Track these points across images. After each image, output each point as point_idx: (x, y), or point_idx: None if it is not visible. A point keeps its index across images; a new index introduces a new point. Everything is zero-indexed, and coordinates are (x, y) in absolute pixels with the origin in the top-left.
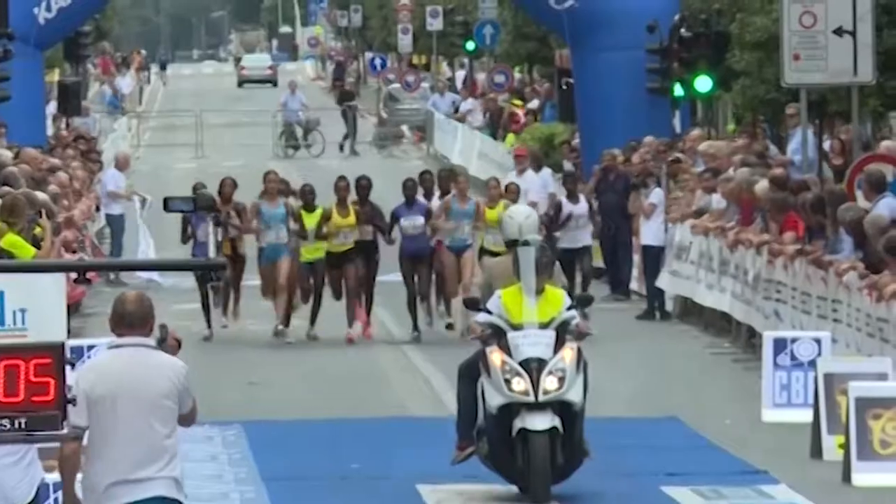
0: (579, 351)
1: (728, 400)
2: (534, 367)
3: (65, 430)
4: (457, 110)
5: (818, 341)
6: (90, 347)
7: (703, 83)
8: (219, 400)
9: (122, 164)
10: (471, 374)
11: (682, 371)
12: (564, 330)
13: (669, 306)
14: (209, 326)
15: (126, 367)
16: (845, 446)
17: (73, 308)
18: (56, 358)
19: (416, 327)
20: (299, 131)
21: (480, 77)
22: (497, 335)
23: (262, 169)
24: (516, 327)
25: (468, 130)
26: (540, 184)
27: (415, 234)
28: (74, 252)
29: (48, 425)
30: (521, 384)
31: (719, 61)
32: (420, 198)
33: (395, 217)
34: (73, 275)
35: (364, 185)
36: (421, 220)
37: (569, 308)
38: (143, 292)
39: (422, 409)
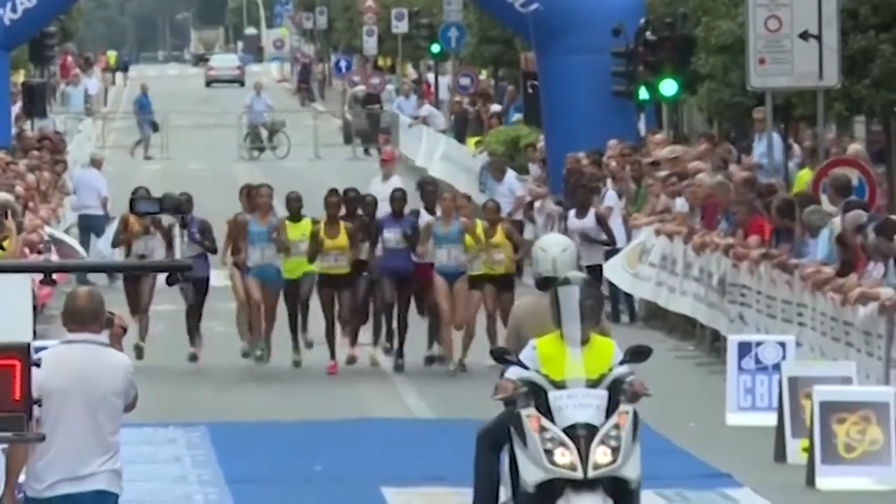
0: (635, 416)
1: (692, 403)
2: (582, 436)
3: (31, 431)
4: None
5: (783, 345)
6: None
7: (669, 87)
8: (183, 401)
9: (98, 164)
10: (491, 443)
11: (646, 374)
12: (617, 389)
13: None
14: (193, 345)
15: (76, 364)
16: (809, 450)
17: (38, 309)
18: (22, 359)
19: (401, 354)
20: (264, 133)
21: (443, 80)
22: (534, 395)
23: (228, 171)
24: (559, 385)
25: (433, 133)
26: (506, 189)
27: (398, 249)
28: (40, 253)
29: (14, 426)
30: (566, 456)
31: (685, 65)
32: (421, 211)
33: (379, 227)
34: (39, 276)
35: (371, 203)
36: (408, 233)
37: (621, 362)
38: (94, 289)
39: (386, 411)
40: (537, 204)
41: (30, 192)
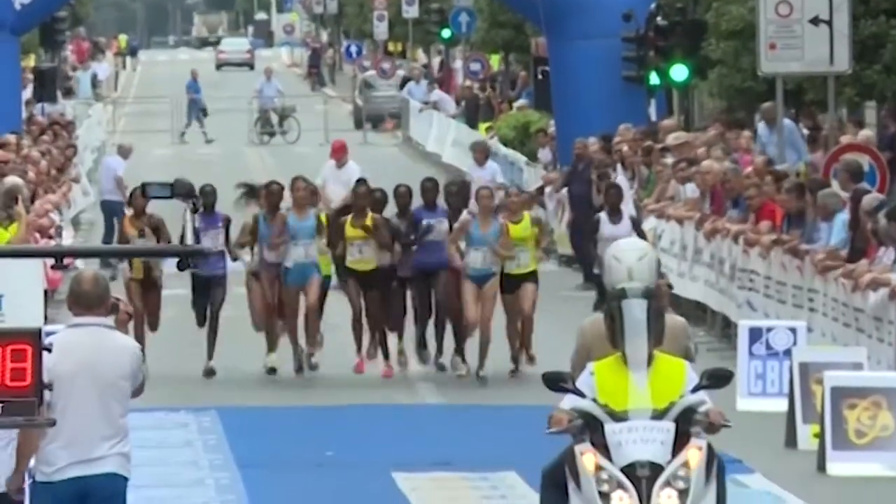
0: (710, 450)
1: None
2: (643, 476)
3: (42, 416)
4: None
5: (793, 330)
6: None
7: (679, 72)
8: (194, 386)
9: (124, 153)
10: (556, 482)
11: None
12: (688, 420)
13: None
14: (210, 358)
15: (85, 348)
16: (820, 436)
17: (48, 294)
18: (33, 344)
19: (425, 356)
20: (275, 118)
21: (457, 66)
22: (589, 428)
23: (238, 155)
24: (618, 417)
25: (443, 118)
26: (488, 176)
27: (435, 241)
28: (50, 238)
29: (25, 411)
30: (623, 501)
31: (695, 50)
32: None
33: (416, 217)
34: (51, 261)
35: (404, 194)
36: (445, 224)
37: (695, 388)
38: (98, 272)
39: (398, 397)
40: (548, 189)
41: (40, 176)
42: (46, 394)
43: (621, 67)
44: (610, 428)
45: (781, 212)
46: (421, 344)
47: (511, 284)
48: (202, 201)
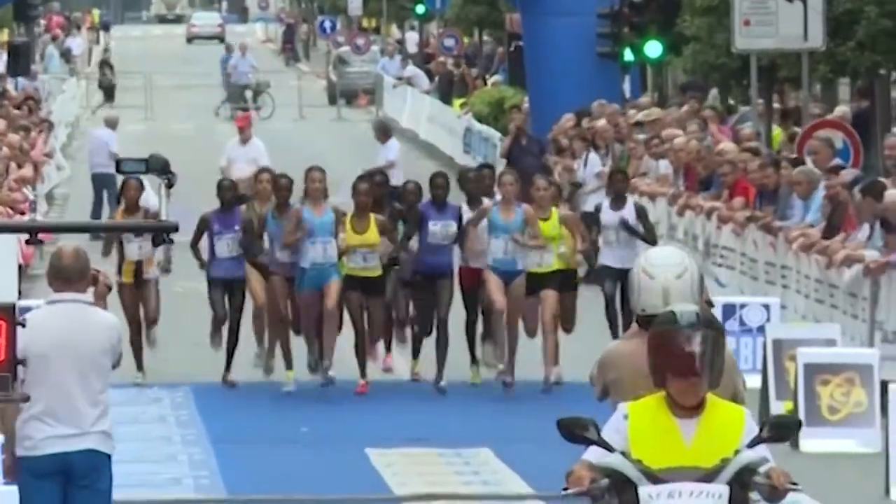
0: None
1: None
2: None
3: (17, 392)
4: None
5: (767, 307)
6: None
7: (654, 48)
8: (167, 362)
9: (112, 124)
10: None
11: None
12: (745, 484)
13: None
14: (228, 368)
15: (65, 324)
16: (793, 412)
17: (21, 269)
18: (7, 319)
19: (440, 377)
20: (249, 94)
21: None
22: (617, 490)
23: (212, 131)
24: (656, 477)
25: (418, 94)
26: (391, 155)
27: (441, 245)
28: (23, 213)
29: None
30: None
31: (670, 26)
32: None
33: (422, 217)
34: (25, 236)
35: (413, 191)
36: (454, 226)
37: (753, 442)
38: (80, 247)
39: (371, 373)
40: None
41: (13, 151)
42: (21, 370)
43: (595, 43)
44: (646, 491)
45: (754, 189)
46: (416, 355)
47: (531, 285)
48: (219, 198)
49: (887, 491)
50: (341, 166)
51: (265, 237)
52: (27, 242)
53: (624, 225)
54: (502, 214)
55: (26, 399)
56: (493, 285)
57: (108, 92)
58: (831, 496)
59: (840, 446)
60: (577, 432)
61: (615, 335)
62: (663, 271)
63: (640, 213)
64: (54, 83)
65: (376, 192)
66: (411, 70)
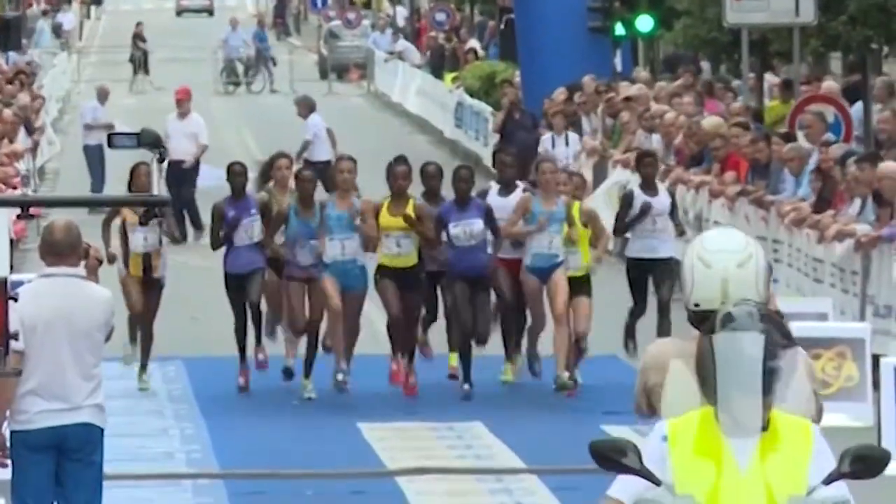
0: None
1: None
2: None
3: (8, 366)
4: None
5: None
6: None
7: (645, 22)
8: (158, 335)
9: (101, 97)
10: None
11: (622, 309)
12: None
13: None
14: (244, 367)
15: (59, 298)
16: None
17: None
18: None
19: (468, 377)
20: (240, 68)
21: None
22: None
23: (204, 105)
24: None
25: (408, 68)
26: (310, 131)
27: (469, 246)
28: (15, 188)
29: None
30: None
31: (661, 1)
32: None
33: (442, 221)
34: (17, 210)
35: (434, 174)
36: (479, 224)
37: (830, 479)
38: (71, 221)
39: (363, 347)
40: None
41: (5, 126)
42: (15, 343)
43: (587, 18)
44: None
45: (746, 163)
46: (425, 329)
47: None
48: (231, 183)
49: None
50: (337, 145)
51: (283, 235)
52: (18, 217)
53: (645, 213)
54: (543, 204)
55: (19, 373)
56: (534, 295)
57: (139, 64)
58: None
59: (832, 420)
60: (613, 458)
61: (627, 346)
62: (722, 258)
63: (673, 199)
64: (45, 58)
65: (431, 184)
66: (402, 44)
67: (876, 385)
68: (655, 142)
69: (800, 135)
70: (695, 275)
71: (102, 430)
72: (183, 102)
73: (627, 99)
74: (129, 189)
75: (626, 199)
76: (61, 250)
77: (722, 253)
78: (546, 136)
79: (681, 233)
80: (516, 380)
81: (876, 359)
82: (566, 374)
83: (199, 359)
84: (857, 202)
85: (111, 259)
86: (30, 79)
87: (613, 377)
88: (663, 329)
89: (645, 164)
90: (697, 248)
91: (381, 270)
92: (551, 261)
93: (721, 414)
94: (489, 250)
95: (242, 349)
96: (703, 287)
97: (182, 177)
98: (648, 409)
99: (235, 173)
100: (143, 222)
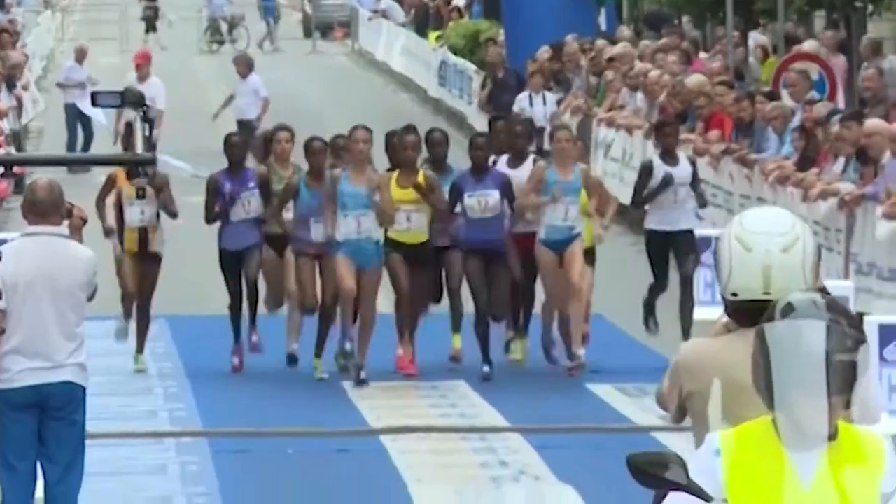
0: None
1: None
2: None
3: None
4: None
5: None
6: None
7: None
8: None
9: (79, 57)
10: None
11: (606, 268)
12: None
13: None
14: (237, 347)
15: (42, 257)
16: None
17: None
18: None
19: (487, 359)
20: (224, 26)
21: None
22: None
23: (188, 65)
24: None
25: (393, 27)
26: (251, 89)
27: (485, 218)
28: None
29: None
30: None
31: None
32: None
33: (458, 190)
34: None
35: (439, 141)
36: (496, 196)
37: None
38: (54, 180)
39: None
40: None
41: None
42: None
43: None
44: None
45: (730, 121)
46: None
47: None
48: (228, 155)
49: None
50: (316, 100)
51: (292, 209)
52: (1, 176)
53: (667, 184)
54: (559, 173)
55: (1, 332)
56: (548, 270)
57: (150, 23)
58: None
59: None
60: (655, 473)
61: (648, 324)
62: (765, 241)
63: (695, 168)
64: (29, 16)
65: (437, 152)
66: (386, 3)
67: None
68: (639, 100)
69: (784, 93)
70: (733, 259)
71: (84, 389)
72: (142, 67)
73: (611, 59)
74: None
75: (646, 170)
76: (44, 209)
77: (764, 235)
78: (523, 95)
79: (702, 204)
80: (525, 360)
81: (860, 316)
82: (581, 352)
83: (182, 317)
84: (841, 160)
85: (108, 233)
86: (14, 37)
87: (597, 337)
88: (686, 306)
89: (664, 132)
90: (736, 229)
91: (390, 246)
92: (567, 233)
93: (780, 421)
94: (506, 223)
95: (237, 329)
96: (743, 274)
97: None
98: (678, 414)
99: (233, 145)
100: (140, 195)
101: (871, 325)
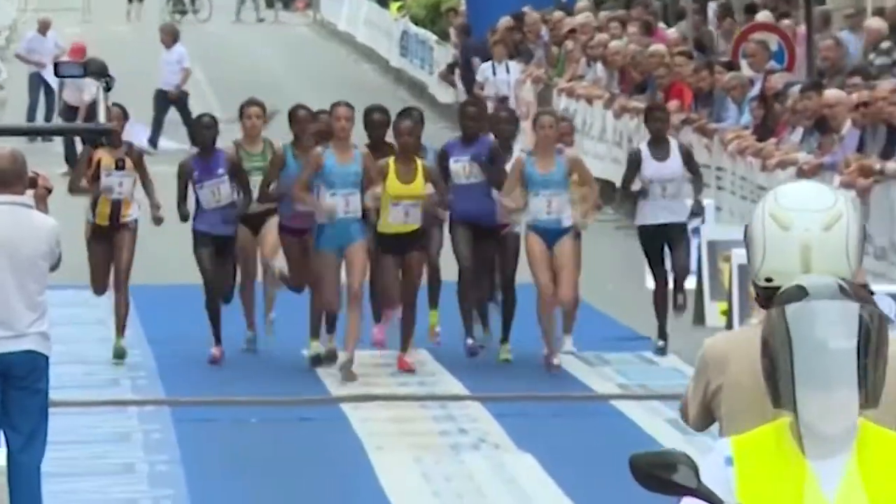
0: None
1: (611, 267)
2: None
3: None
4: None
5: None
6: None
7: None
8: None
9: (42, 28)
10: None
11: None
12: None
13: None
14: (217, 342)
15: (4, 226)
16: (728, 313)
17: None
18: None
19: (470, 333)
20: None
21: None
22: None
23: (151, 36)
24: None
25: None
26: (174, 59)
27: (471, 185)
28: None
29: None
30: None
31: None
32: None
33: (445, 155)
34: None
35: (379, 123)
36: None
37: None
38: (17, 149)
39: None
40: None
41: None
42: None
43: None
44: None
45: (690, 92)
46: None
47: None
48: (198, 137)
49: None
50: (278, 70)
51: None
52: None
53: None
54: (539, 167)
55: None
56: (537, 258)
57: None
58: None
59: None
60: (662, 476)
61: (662, 329)
62: (804, 218)
63: (688, 158)
64: None
65: (418, 132)
66: None
67: None
68: (599, 70)
69: (744, 63)
70: (766, 240)
71: (47, 358)
72: (79, 56)
73: (572, 31)
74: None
75: (633, 158)
76: (7, 179)
77: (803, 212)
78: (486, 65)
79: (698, 190)
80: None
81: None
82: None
83: (144, 287)
84: (800, 130)
85: (103, 192)
86: None
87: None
88: (678, 305)
89: (654, 117)
90: (770, 205)
91: (383, 242)
92: (555, 225)
93: (800, 422)
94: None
95: (217, 330)
96: (778, 256)
97: (75, 119)
98: (705, 419)
99: (204, 126)
100: (120, 166)
101: None
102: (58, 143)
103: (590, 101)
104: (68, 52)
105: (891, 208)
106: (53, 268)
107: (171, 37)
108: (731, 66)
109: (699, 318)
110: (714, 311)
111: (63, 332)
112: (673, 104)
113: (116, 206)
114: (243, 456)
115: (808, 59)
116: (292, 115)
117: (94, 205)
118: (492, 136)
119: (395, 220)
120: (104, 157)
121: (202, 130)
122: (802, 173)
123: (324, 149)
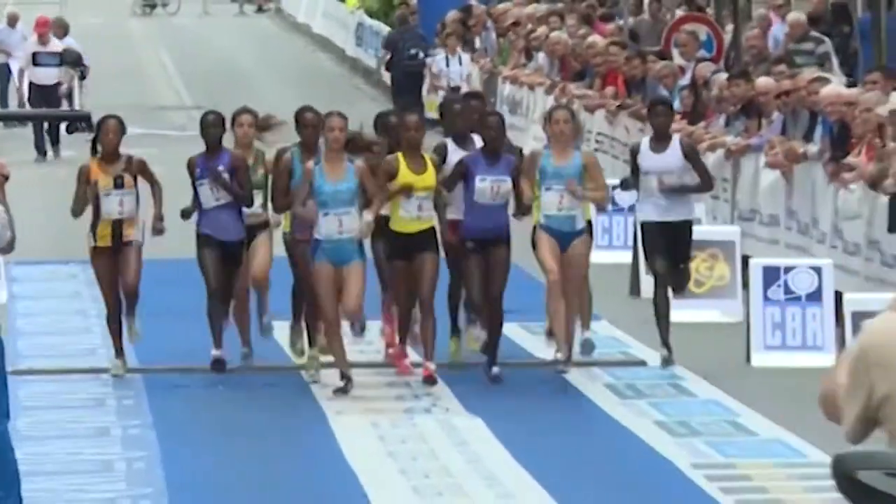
0: None
1: None
2: None
3: None
4: None
5: None
6: None
7: None
8: (75, 239)
9: (11, 21)
10: None
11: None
12: None
13: None
14: (216, 345)
15: None
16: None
17: None
18: None
19: (494, 361)
20: None
21: None
22: None
23: (122, 27)
24: None
25: None
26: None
27: (493, 205)
28: None
29: None
30: None
31: None
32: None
33: (467, 170)
34: None
35: (311, 123)
36: (509, 183)
37: None
38: None
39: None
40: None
41: None
42: None
43: None
44: None
45: (624, 79)
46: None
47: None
48: (204, 136)
49: (748, 356)
50: (242, 61)
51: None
52: None
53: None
54: (555, 159)
55: None
56: (546, 247)
57: None
58: (699, 360)
59: (705, 316)
60: (872, 486)
61: (664, 328)
62: None
63: (690, 153)
64: None
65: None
66: None
67: (745, 284)
68: (541, 59)
69: (675, 52)
70: None
71: (1, 339)
72: (44, 32)
73: (515, 24)
74: (94, 146)
75: (632, 151)
76: None
77: None
78: (440, 56)
79: (708, 187)
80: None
81: (745, 259)
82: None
83: None
84: (724, 116)
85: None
86: None
87: (514, 281)
88: (659, 306)
89: (657, 112)
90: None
91: (393, 244)
92: (568, 223)
93: None
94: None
95: (218, 338)
96: None
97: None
98: (867, 429)
99: (209, 124)
100: (118, 184)
101: (755, 268)
102: (29, 129)
103: (532, 87)
104: (34, 26)
105: (812, 187)
106: (6, 251)
107: (61, 30)
108: (663, 55)
109: (635, 290)
110: (649, 283)
111: (42, 305)
112: (609, 90)
113: (118, 227)
114: (211, 420)
115: (734, 48)
116: (299, 119)
117: (93, 226)
118: (511, 157)
119: (407, 214)
120: (100, 176)
121: (209, 128)
122: (730, 154)
123: (315, 163)
